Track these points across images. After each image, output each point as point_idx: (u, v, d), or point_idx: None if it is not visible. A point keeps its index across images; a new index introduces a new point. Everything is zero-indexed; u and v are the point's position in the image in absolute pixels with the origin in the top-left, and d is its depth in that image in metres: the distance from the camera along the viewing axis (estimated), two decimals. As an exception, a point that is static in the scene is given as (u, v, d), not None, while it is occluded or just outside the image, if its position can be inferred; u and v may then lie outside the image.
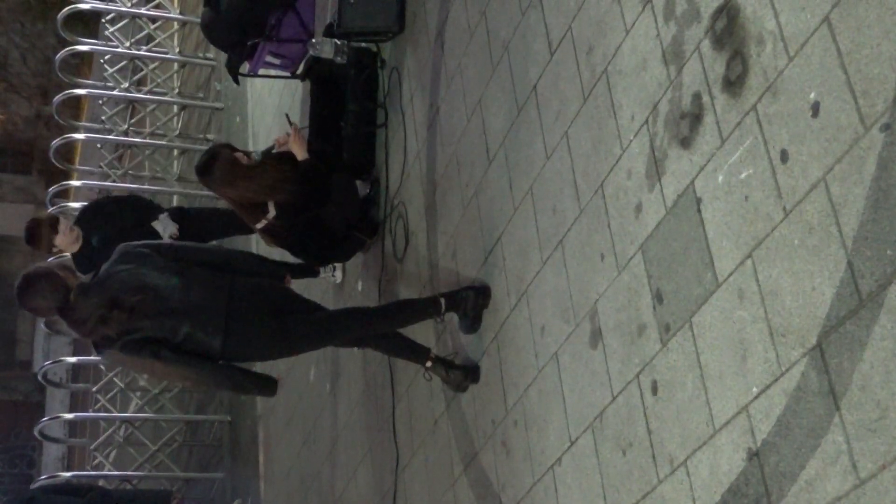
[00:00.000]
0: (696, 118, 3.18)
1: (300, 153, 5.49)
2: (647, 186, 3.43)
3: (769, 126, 2.86)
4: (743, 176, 2.95)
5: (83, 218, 6.88)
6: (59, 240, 6.53)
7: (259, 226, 5.44)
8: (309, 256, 6.02)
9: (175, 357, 4.47)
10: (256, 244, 7.64)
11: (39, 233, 6.61)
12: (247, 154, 5.41)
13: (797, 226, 2.73)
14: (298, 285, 5.52)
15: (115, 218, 6.76)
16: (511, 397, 4.34)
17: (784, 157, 2.79)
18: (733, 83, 3.01)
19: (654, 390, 3.33)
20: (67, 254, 6.71)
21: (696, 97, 3.18)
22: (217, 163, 5.28)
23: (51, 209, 10.03)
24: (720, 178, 3.05)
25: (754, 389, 2.86)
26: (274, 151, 5.50)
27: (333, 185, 5.68)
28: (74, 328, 4.59)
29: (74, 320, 4.48)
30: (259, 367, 5.36)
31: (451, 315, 4.78)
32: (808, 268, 2.68)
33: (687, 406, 3.15)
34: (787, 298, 2.75)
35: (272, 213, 5.39)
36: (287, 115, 5.73)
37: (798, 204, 2.73)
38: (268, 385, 4.76)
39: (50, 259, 7.65)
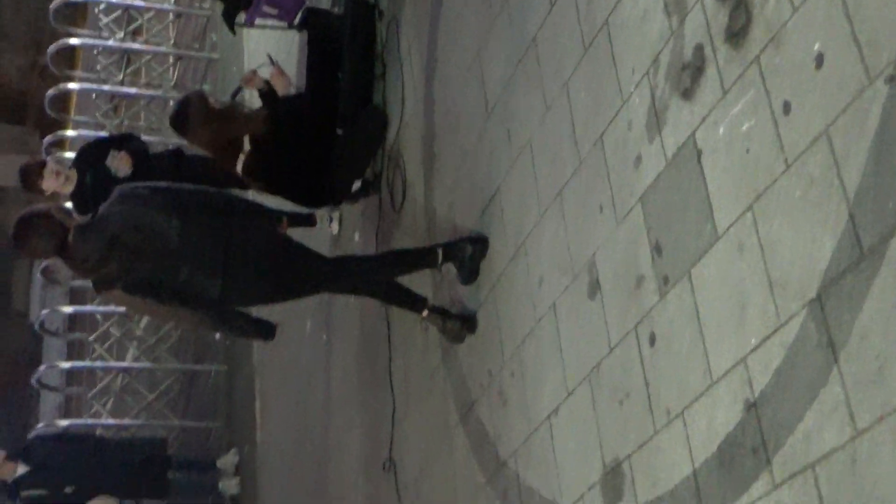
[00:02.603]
0: (697, 70, 3.16)
1: (282, 89, 5.49)
2: (647, 138, 3.41)
3: (772, 78, 2.84)
4: (744, 128, 2.94)
5: (78, 158, 6.89)
6: (46, 183, 6.55)
7: (239, 167, 5.40)
8: (299, 198, 5.94)
9: (174, 298, 4.48)
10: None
11: (29, 178, 6.64)
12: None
13: (799, 178, 2.72)
14: (295, 235, 5.52)
15: (106, 155, 6.76)
16: (508, 348, 4.35)
17: (786, 108, 2.78)
18: (736, 34, 2.99)
19: (652, 342, 3.34)
20: (64, 194, 6.71)
21: (699, 49, 3.16)
22: (190, 108, 5.28)
23: (46, 159, 9.99)
24: (721, 130, 3.04)
25: (753, 341, 2.86)
26: (240, 90, 5.55)
27: (364, 115, 5.68)
28: (74, 268, 4.60)
29: (74, 260, 4.49)
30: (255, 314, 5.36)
31: (449, 266, 4.78)
32: (809, 220, 2.68)
33: (684, 358, 3.16)
34: (787, 251, 2.75)
35: (247, 147, 5.36)
36: (269, 56, 5.71)
37: (800, 156, 2.72)
38: (266, 329, 4.78)
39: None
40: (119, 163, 6.61)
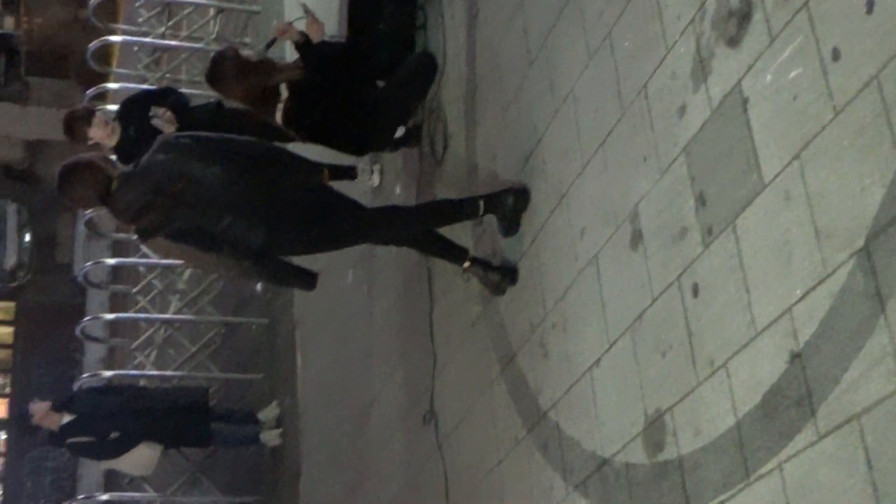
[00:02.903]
0: (744, 17, 3.11)
1: (316, 37, 5.46)
2: (691, 87, 3.37)
3: (821, 24, 2.79)
4: (792, 75, 2.89)
5: (121, 111, 6.90)
6: (93, 131, 6.55)
7: (278, 117, 5.38)
8: (341, 145, 5.92)
9: (217, 246, 4.50)
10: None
11: (74, 124, 6.65)
12: None
13: (847, 126, 2.68)
14: (336, 187, 5.51)
15: (149, 109, 6.78)
16: (549, 300, 4.34)
17: (835, 55, 2.73)
18: (784, -21, 2.94)
19: (695, 293, 3.31)
20: (107, 146, 6.73)
21: (746, -6, 3.10)
22: (224, 63, 5.27)
23: (89, 112, 10.03)
24: (768, 77, 3.00)
25: (798, 291, 2.83)
26: (275, 41, 5.52)
27: (414, 59, 5.65)
28: (117, 216, 4.64)
29: (117, 208, 4.52)
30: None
31: (490, 217, 4.76)
32: (857, 168, 2.64)
33: (728, 308, 3.14)
34: (835, 199, 2.71)
35: (284, 94, 5.34)
36: (304, 5, 5.67)
37: (849, 103, 2.67)
38: (308, 279, 4.79)
39: None
40: (164, 122, 6.62)
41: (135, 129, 6.63)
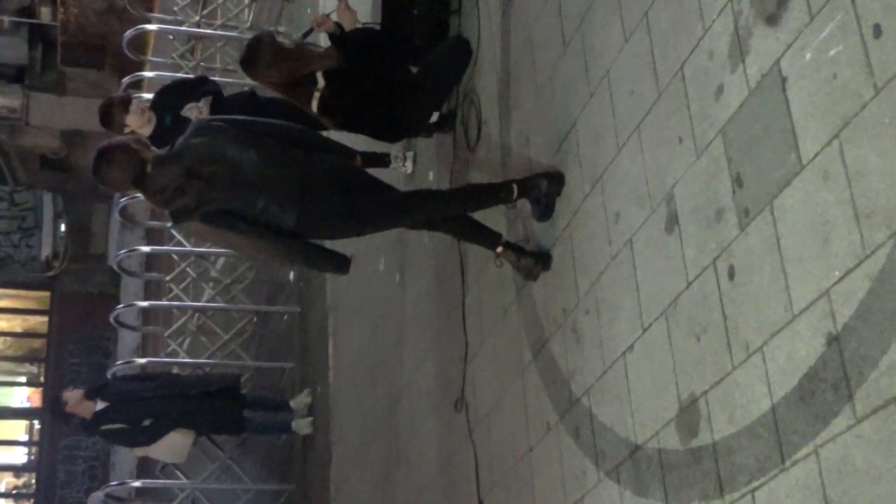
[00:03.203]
0: (783, -6, 3.06)
1: (348, 24, 5.44)
2: (729, 67, 3.32)
3: (861, 0, 2.74)
4: (832, 53, 2.84)
5: (156, 100, 6.92)
6: (130, 119, 6.58)
7: (314, 105, 5.36)
8: (378, 132, 5.91)
9: (251, 229, 4.50)
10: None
11: (111, 112, 6.67)
12: None
13: (888, 103, 2.63)
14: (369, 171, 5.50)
15: (187, 96, 6.80)
16: (583, 285, 4.30)
17: (877, 31, 2.67)
18: (825, -44, 2.88)
19: (731, 275, 3.27)
20: (143, 135, 6.73)
21: (785, -28, 3.05)
22: (260, 48, 5.25)
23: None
24: (808, 55, 2.95)
25: (836, 273, 2.79)
26: (311, 31, 5.50)
27: (448, 43, 5.63)
28: (151, 199, 4.64)
29: (152, 190, 4.53)
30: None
31: (524, 202, 4.73)
32: (898, 147, 2.59)
33: (765, 291, 3.09)
34: (875, 179, 2.66)
35: (320, 83, 5.32)
36: None
37: (890, 80, 2.62)
38: (341, 262, 4.78)
39: None
40: (197, 112, 6.63)
41: (171, 118, 6.66)
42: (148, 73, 10.57)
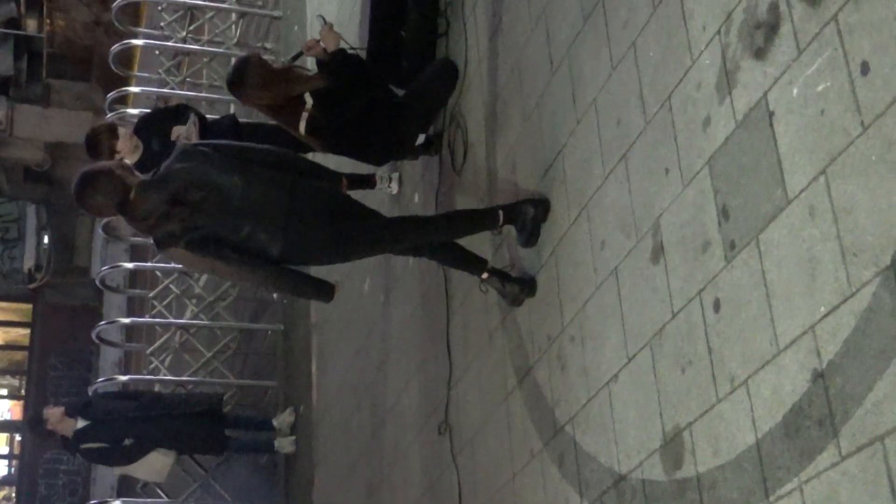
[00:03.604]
0: (771, 28, 3.06)
1: (331, 45, 5.43)
2: (717, 99, 3.32)
3: (850, 36, 2.74)
4: (820, 88, 2.84)
5: (141, 126, 6.89)
6: (121, 145, 6.54)
7: (302, 126, 5.34)
8: (365, 154, 5.89)
9: (236, 257, 4.47)
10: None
11: (99, 140, 6.62)
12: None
13: (875, 141, 2.63)
14: (354, 194, 5.48)
15: (171, 120, 6.78)
16: (568, 312, 4.29)
17: (864, 69, 2.68)
18: (813, -9, 2.89)
19: (717, 308, 3.26)
20: (131, 162, 6.70)
21: (773, 6, 3.06)
22: (249, 67, 5.24)
23: (109, 115, 10.05)
24: (795, 90, 2.95)
25: (822, 309, 2.78)
26: (301, 55, 5.50)
27: (434, 65, 5.63)
28: (135, 225, 4.60)
29: (136, 217, 4.48)
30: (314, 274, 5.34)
31: (509, 227, 4.72)
32: (885, 184, 2.59)
33: (750, 325, 3.09)
34: (862, 216, 2.66)
35: (309, 103, 5.31)
36: (321, 16, 5.64)
37: (878, 118, 2.62)
38: (325, 289, 4.76)
39: None
40: (191, 129, 6.62)
41: (158, 143, 6.62)
42: (134, 89, 10.55)
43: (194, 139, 6.50)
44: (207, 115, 7.28)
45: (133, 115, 10.27)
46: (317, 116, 5.29)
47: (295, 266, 4.72)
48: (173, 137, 6.58)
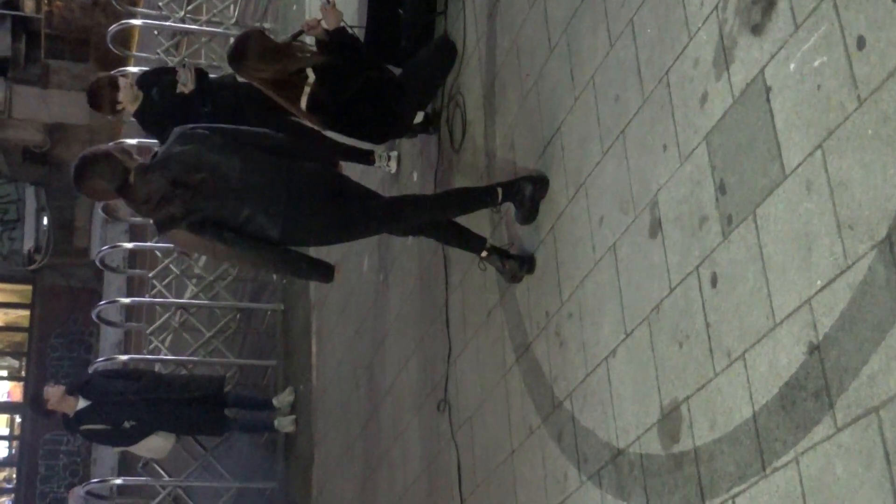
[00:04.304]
0: (768, 4, 3.07)
1: (332, 23, 5.43)
2: (714, 75, 3.34)
3: (846, 11, 2.75)
4: (816, 64, 2.86)
5: (142, 78, 6.96)
6: (122, 95, 6.60)
7: (304, 102, 5.34)
8: (364, 132, 5.90)
9: (237, 238, 4.49)
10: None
11: (101, 93, 6.68)
12: None
13: (871, 115, 2.65)
14: (353, 174, 5.50)
15: (170, 72, 6.86)
16: (566, 289, 4.31)
17: (861, 43, 2.69)
18: (810, -33, 2.90)
19: (714, 283, 3.28)
20: (129, 112, 6.78)
21: (770, -18, 3.07)
22: (250, 42, 5.24)
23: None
24: (792, 66, 2.96)
25: (818, 282, 2.81)
26: (301, 34, 5.50)
27: (433, 43, 5.64)
28: (136, 208, 4.61)
29: (136, 200, 4.49)
30: (313, 255, 5.36)
31: (508, 205, 4.74)
32: (881, 158, 2.60)
33: (747, 299, 3.11)
34: (858, 190, 2.68)
35: (312, 77, 5.31)
36: None
37: (874, 92, 2.64)
38: (326, 271, 4.78)
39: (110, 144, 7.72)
40: (188, 73, 6.69)
41: (158, 92, 6.71)
42: (132, 69, 10.51)
43: (191, 85, 6.56)
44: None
45: (134, 74, 10.30)
46: (319, 92, 5.29)
47: (295, 247, 4.73)
48: (178, 74, 6.64)
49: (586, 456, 4.06)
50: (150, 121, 6.72)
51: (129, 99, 6.62)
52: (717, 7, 3.32)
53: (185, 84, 6.59)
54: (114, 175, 4.43)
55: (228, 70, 6.13)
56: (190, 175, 4.43)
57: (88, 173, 4.47)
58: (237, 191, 4.46)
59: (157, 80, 6.84)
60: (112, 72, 9.45)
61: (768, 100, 3.06)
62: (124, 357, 10.20)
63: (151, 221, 4.72)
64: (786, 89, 2.99)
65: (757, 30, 3.13)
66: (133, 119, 6.89)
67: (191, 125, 4.68)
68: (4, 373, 22.88)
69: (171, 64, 10.00)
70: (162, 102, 6.62)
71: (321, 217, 4.60)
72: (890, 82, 2.58)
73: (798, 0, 2.94)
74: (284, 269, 4.89)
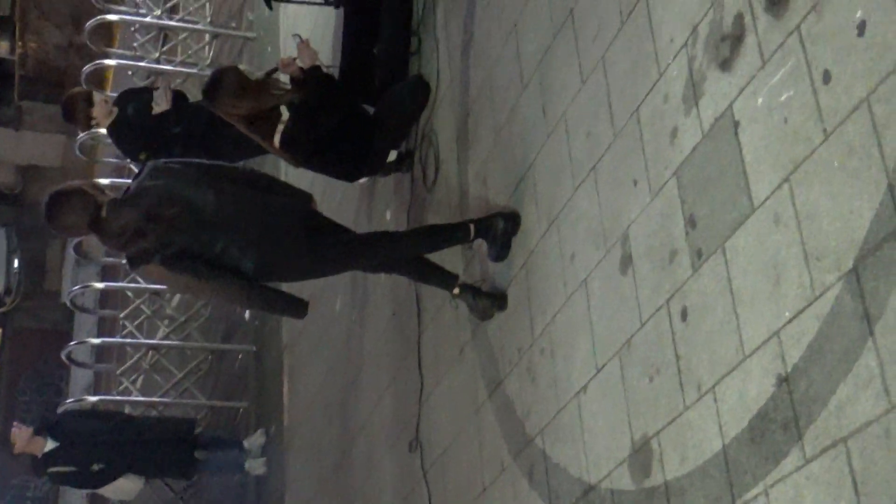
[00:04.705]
0: (737, 39, 3.12)
1: (308, 61, 5.45)
2: (683, 110, 3.37)
3: (812, 46, 2.79)
4: (783, 98, 2.89)
5: (119, 98, 7.06)
6: (97, 111, 6.68)
7: (277, 139, 5.35)
8: (337, 170, 5.92)
9: (210, 272, 4.47)
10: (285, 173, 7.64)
11: (75, 107, 6.74)
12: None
13: (837, 148, 2.68)
14: (328, 209, 5.50)
15: (148, 91, 6.95)
16: (538, 325, 4.32)
17: (826, 77, 2.73)
18: (777, 3, 2.94)
19: (684, 316, 3.30)
20: (103, 126, 6.86)
21: (738, 18, 3.11)
22: (225, 78, 5.25)
23: (82, 135, 10.03)
24: (760, 100, 3.00)
25: (787, 314, 2.82)
26: (276, 71, 5.53)
27: (407, 83, 5.69)
28: (108, 242, 4.60)
29: (109, 234, 4.47)
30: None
31: (480, 242, 4.75)
32: (847, 190, 2.63)
33: (717, 332, 3.12)
34: (825, 222, 2.71)
35: (285, 115, 5.32)
36: (298, 35, 5.67)
37: (839, 125, 2.67)
38: (298, 306, 4.77)
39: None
40: (164, 93, 6.79)
41: (133, 109, 6.83)
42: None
43: (165, 105, 6.64)
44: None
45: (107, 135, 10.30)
46: (292, 129, 5.30)
47: (268, 282, 4.73)
48: (154, 95, 6.72)
49: (558, 492, 4.04)
50: (122, 135, 6.83)
51: (102, 114, 6.70)
52: (686, 43, 3.37)
53: (159, 104, 6.67)
54: (85, 209, 4.41)
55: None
56: (163, 209, 4.42)
57: (60, 208, 4.45)
58: (211, 224, 4.46)
59: (134, 98, 6.94)
60: (82, 136, 9.60)
61: (736, 134, 3.09)
62: (94, 398, 10.12)
63: (124, 257, 4.71)
64: (754, 123, 3.02)
65: (725, 65, 3.16)
66: (108, 142, 7.04)
67: (164, 160, 4.68)
68: (-28, 416, 22.61)
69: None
70: (136, 118, 6.72)
71: (293, 251, 4.60)
72: (855, 115, 2.61)
73: (765, 35, 2.98)
74: (258, 303, 4.88)
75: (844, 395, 2.59)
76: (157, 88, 6.94)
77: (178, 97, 6.96)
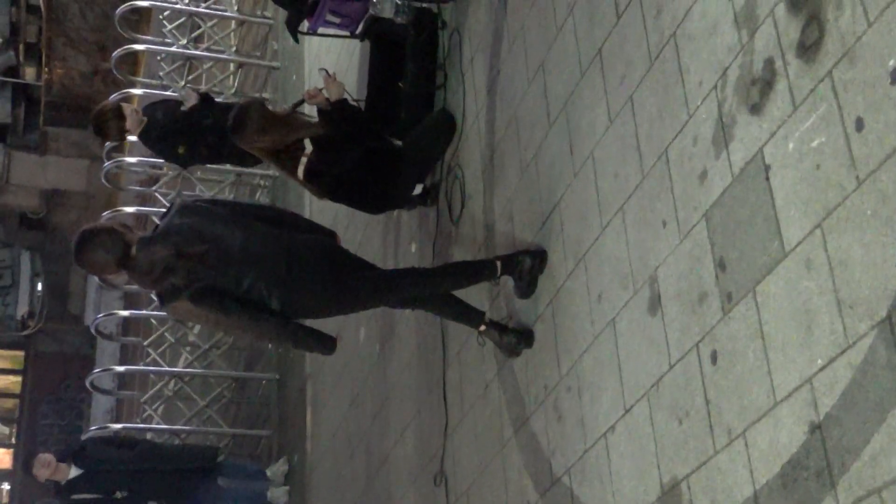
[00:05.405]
0: (767, 84, 3.11)
1: (335, 95, 5.47)
2: (713, 153, 3.36)
3: (844, 93, 2.79)
4: (815, 144, 2.89)
5: (148, 106, 7.25)
6: (129, 123, 6.81)
7: (301, 171, 5.36)
8: (362, 203, 5.92)
9: (239, 309, 4.49)
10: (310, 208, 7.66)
11: (106, 123, 6.86)
12: None
13: (870, 195, 2.67)
14: (352, 246, 5.51)
15: (174, 100, 7.14)
16: (565, 363, 4.31)
17: (859, 125, 2.72)
18: (808, 48, 2.94)
19: (714, 360, 3.28)
20: (135, 134, 7.02)
21: (769, 62, 3.11)
22: (250, 112, 5.27)
23: (107, 164, 10.11)
24: (791, 145, 2.99)
25: (819, 361, 2.81)
26: (302, 103, 5.56)
27: (432, 117, 5.70)
28: (138, 280, 4.63)
29: (138, 272, 4.50)
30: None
31: (507, 279, 4.75)
32: (880, 238, 2.62)
33: (747, 376, 3.11)
34: (857, 269, 2.69)
35: (308, 148, 5.33)
36: (325, 70, 5.69)
37: (872, 173, 2.66)
38: (327, 342, 4.78)
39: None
40: (189, 93, 7.11)
41: (162, 113, 7.07)
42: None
43: (193, 100, 6.99)
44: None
45: (132, 164, 10.37)
46: (315, 162, 5.32)
47: (296, 318, 4.74)
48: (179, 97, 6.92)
49: (585, 533, 4.02)
50: (154, 137, 6.99)
51: (134, 124, 6.86)
52: (716, 86, 3.36)
53: (187, 101, 6.88)
54: (115, 247, 4.45)
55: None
56: (193, 246, 4.46)
57: (90, 247, 4.49)
58: (239, 261, 4.49)
59: (161, 105, 7.18)
60: (107, 165, 9.76)
61: (767, 178, 3.08)
62: (117, 426, 10.14)
63: (154, 294, 4.73)
64: (785, 168, 3.01)
65: (755, 109, 3.16)
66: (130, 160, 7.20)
67: (191, 199, 4.71)
68: (-6, 439, 22.70)
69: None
70: (166, 119, 6.87)
71: (319, 288, 4.61)
72: (888, 163, 2.60)
73: (797, 81, 2.98)
74: (286, 339, 4.89)
75: (878, 446, 2.57)
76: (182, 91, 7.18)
77: (205, 97, 7.16)
